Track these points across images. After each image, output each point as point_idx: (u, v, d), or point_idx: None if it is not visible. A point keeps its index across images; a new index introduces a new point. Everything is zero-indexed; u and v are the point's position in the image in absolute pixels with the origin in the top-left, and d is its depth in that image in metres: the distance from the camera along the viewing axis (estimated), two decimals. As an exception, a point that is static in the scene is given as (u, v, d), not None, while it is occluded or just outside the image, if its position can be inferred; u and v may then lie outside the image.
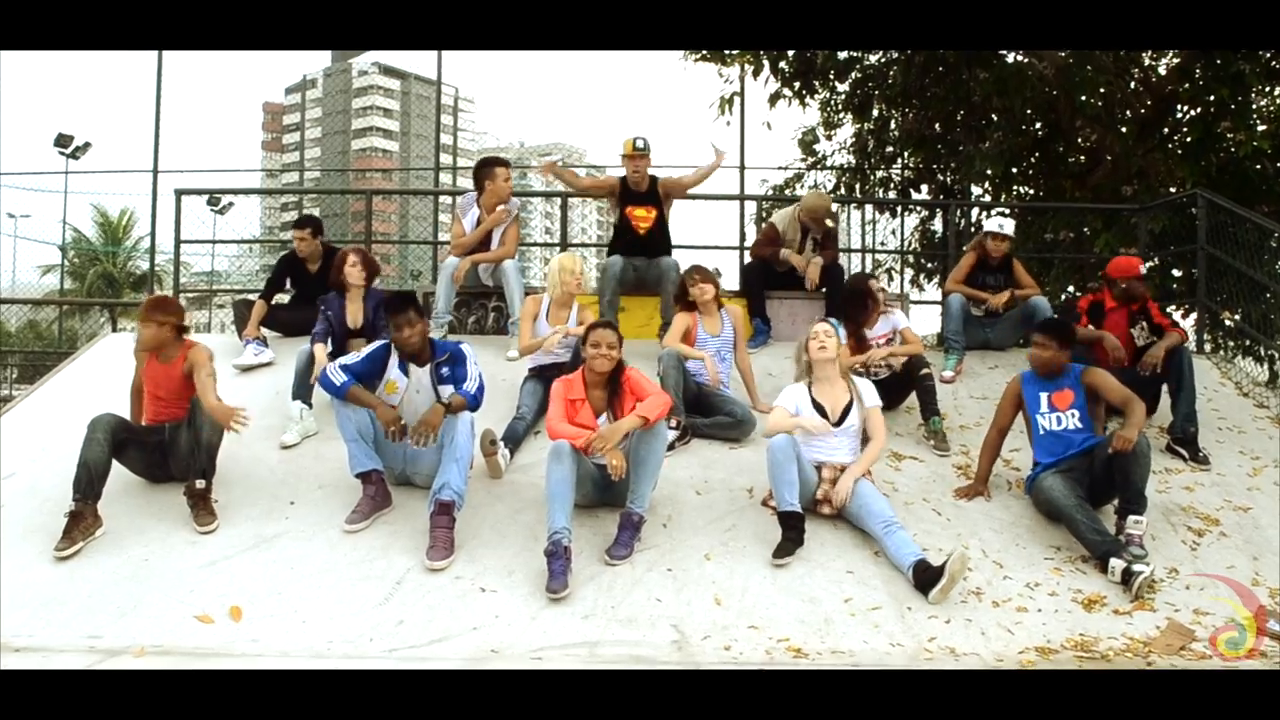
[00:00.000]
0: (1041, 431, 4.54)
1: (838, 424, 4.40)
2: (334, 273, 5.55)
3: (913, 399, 5.47)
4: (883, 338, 5.46)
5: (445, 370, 4.42)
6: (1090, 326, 5.47)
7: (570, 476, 4.00)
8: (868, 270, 11.12)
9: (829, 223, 6.57)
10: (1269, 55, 8.30)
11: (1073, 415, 4.48)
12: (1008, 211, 7.69)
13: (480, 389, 4.40)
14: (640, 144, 6.22)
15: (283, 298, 6.41)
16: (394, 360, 4.46)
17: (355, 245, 5.93)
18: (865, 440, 4.50)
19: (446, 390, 4.39)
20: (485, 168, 6.35)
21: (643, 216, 6.31)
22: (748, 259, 6.87)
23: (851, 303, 5.46)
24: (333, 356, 5.05)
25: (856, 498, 4.25)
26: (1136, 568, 3.91)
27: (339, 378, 4.28)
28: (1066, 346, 4.61)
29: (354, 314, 5.48)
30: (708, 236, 10.75)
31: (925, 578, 3.87)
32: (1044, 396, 4.56)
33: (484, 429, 4.63)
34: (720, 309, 5.46)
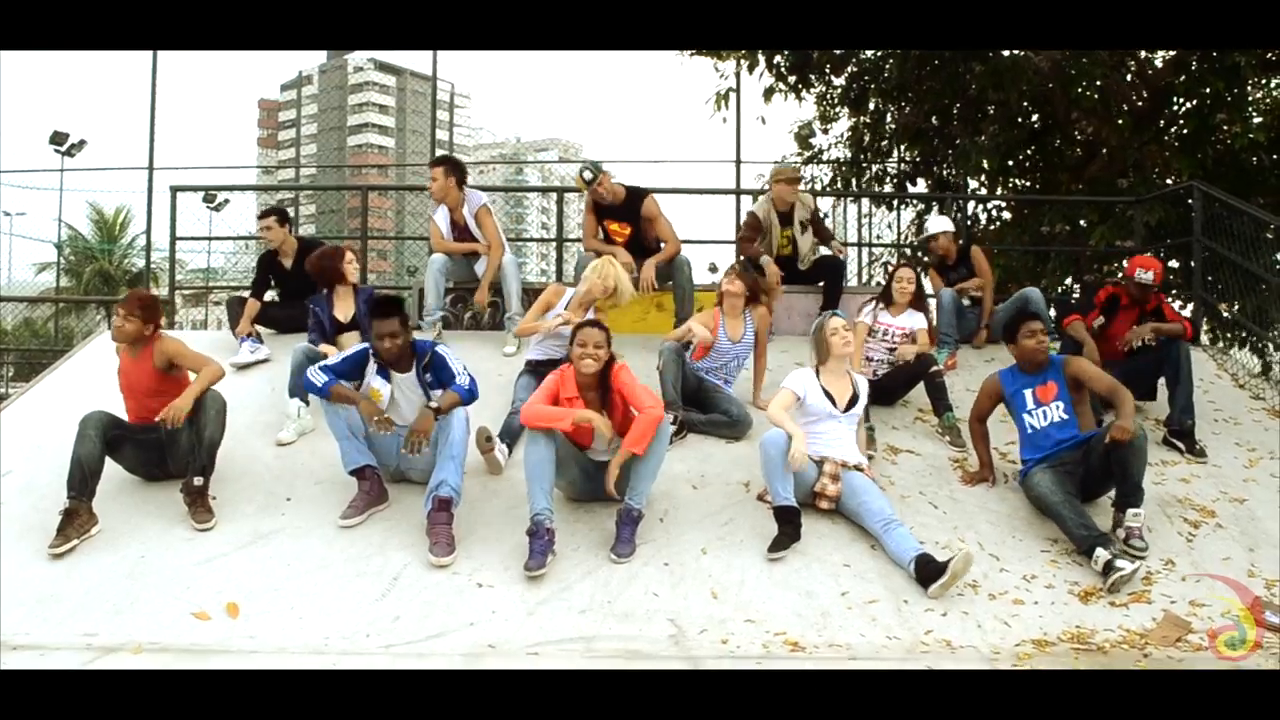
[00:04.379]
0: (1030, 430, 4.52)
1: (845, 410, 4.45)
2: (325, 267, 5.50)
3: (910, 395, 5.52)
4: (900, 330, 5.49)
5: (430, 377, 4.40)
6: (1102, 318, 5.51)
7: (549, 457, 4.01)
8: (866, 266, 11.17)
9: (806, 200, 6.55)
10: (1264, 48, 8.29)
11: (1058, 407, 4.46)
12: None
13: (473, 381, 4.37)
14: (588, 175, 6.07)
15: (271, 295, 6.40)
16: (372, 366, 4.43)
17: (347, 242, 5.96)
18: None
19: (436, 394, 4.39)
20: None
21: (616, 230, 6.25)
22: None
23: (885, 288, 5.72)
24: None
25: (855, 494, 4.25)
26: (1119, 563, 3.90)
27: (320, 378, 4.28)
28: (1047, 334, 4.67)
29: (344, 309, 5.47)
30: (703, 231, 10.71)
31: (927, 572, 3.86)
32: (1029, 394, 4.53)
33: (479, 426, 4.62)
34: (745, 311, 5.27)
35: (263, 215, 6.31)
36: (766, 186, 6.67)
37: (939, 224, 6.73)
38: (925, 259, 6.95)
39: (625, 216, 6.21)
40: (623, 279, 5.27)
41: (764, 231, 6.49)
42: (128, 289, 23.79)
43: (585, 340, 4.18)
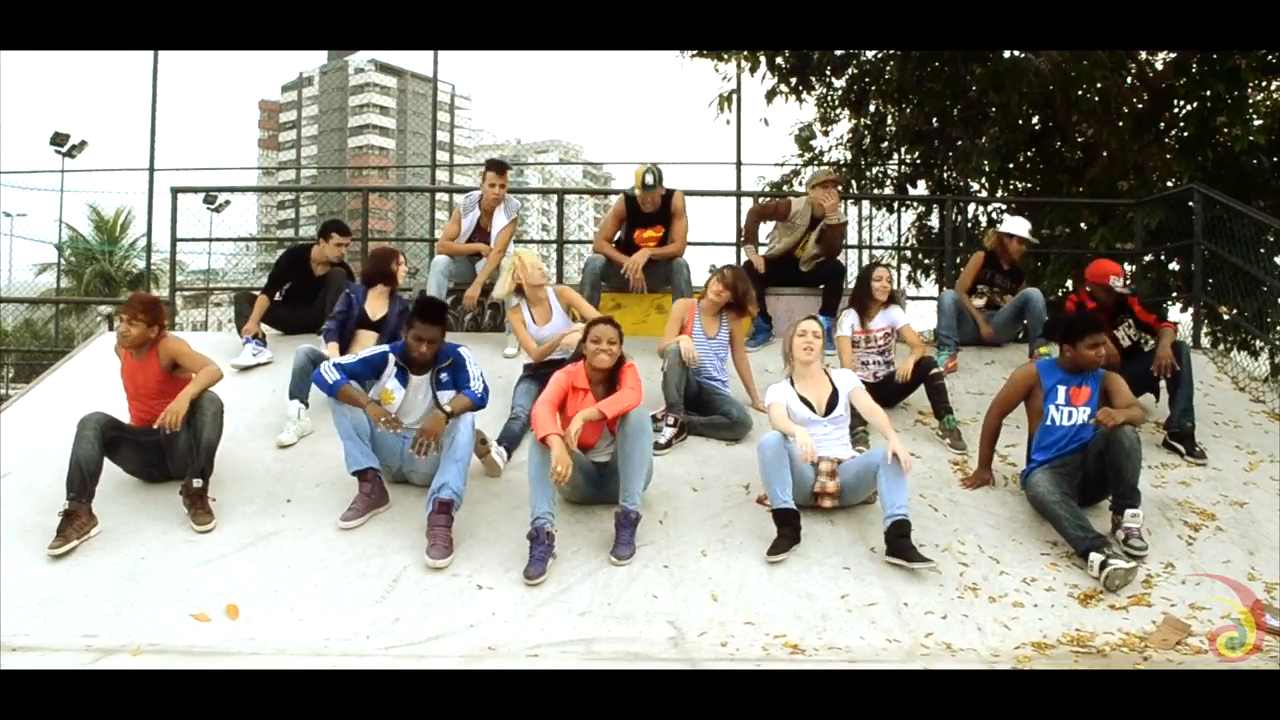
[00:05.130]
0: (1049, 422, 4.48)
1: (826, 414, 4.47)
2: (377, 265, 5.63)
3: (910, 397, 5.51)
4: (880, 332, 5.48)
5: (445, 376, 4.43)
6: None
7: (551, 463, 4.01)
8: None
9: (838, 214, 6.54)
10: (1264, 50, 8.29)
11: (1083, 412, 4.44)
12: (1025, 212, 7.82)
13: (486, 389, 4.42)
14: (650, 180, 6.05)
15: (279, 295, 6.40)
16: (391, 369, 4.45)
17: (393, 246, 6.05)
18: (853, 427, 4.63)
19: (445, 396, 4.41)
20: (483, 170, 6.55)
21: (650, 237, 6.25)
22: (744, 258, 6.84)
23: (857, 292, 5.61)
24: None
25: (851, 468, 4.31)
26: (1113, 562, 3.91)
27: (332, 375, 4.29)
28: None
29: (376, 309, 5.50)
30: (703, 233, 10.64)
31: (896, 544, 3.96)
32: (1063, 390, 4.49)
33: (475, 429, 4.60)
34: (722, 313, 5.29)
35: (343, 231, 6.29)
36: (807, 190, 6.61)
37: (1021, 226, 6.50)
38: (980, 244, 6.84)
39: (658, 219, 6.23)
40: (514, 266, 5.34)
41: (788, 222, 6.50)
42: (128, 290, 23.81)
43: (600, 336, 4.32)
